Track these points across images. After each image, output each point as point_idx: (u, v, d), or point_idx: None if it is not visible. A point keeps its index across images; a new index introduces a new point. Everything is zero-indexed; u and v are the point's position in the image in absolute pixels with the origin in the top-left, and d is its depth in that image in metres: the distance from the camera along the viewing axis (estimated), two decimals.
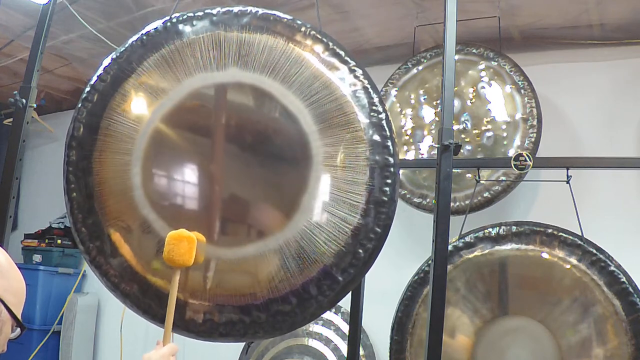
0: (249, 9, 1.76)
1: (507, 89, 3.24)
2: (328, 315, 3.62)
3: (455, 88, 3.25)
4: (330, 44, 1.72)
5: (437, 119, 3.38)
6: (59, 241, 4.76)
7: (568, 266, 2.38)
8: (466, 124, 3.28)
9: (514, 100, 3.21)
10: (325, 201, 1.60)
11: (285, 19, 1.74)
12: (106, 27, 3.57)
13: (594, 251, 2.36)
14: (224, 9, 1.77)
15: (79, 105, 1.76)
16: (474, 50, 3.34)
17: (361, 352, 3.33)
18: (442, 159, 1.91)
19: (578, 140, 3.45)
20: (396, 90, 3.54)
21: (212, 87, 1.71)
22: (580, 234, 2.39)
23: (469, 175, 3.21)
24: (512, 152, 3.11)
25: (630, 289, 2.29)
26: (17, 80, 4.61)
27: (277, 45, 1.69)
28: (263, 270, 1.61)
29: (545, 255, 2.42)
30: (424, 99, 3.46)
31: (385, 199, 1.61)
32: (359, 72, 1.69)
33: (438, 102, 3.38)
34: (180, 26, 1.76)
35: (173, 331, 1.55)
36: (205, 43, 1.72)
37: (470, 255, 2.52)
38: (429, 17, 3.43)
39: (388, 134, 1.65)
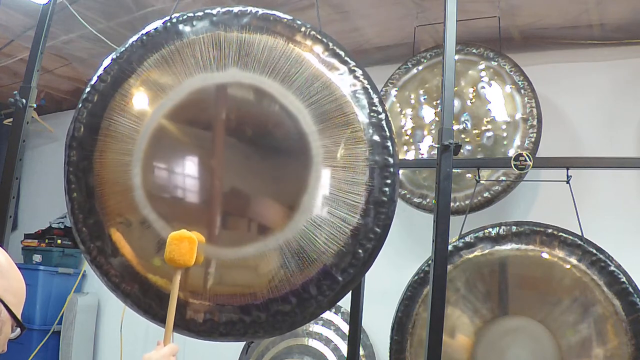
0: (249, 9, 1.76)
1: (507, 89, 3.24)
2: (328, 315, 3.62)
3: (455, 88, 3.25)
4: (330, 44, 1.72)
5: (437, 119, 3.38)
6: (59, 241, 4.76)
7: (568, 266, 2.38)
8: (466, 124, 3.28)
9: (514, 100, 3.21)
10: (325, 201, 1.60)
11: (285, 19, 1.74)
12: (106, 27, 3.57)
13: (594, 251, 2.36)
14: (224, 9, 1.77)
15: (80, 105, 1.76)
16: (474, 50, 3.35)
17: (361, 352, 3.33)
18: (442, 159, 1.91)
19: (578, 140, 3.45)
20: (396, 90, 3.54)
21: (212, 88, 1.71)
22: (580, 234, 2.39)
23: (469, 175, 3.21)
24: (512, 152, 3.11)
25: (630, 289, 2.29)
26: (17, 80, 4.61)
27: (277, 46, 1.69)
28: (263, 270, 1.61)
29: (545, 255, 2.42)
30: (424, 99, 3.46)
31: (385, 199, 1.61)
32: (359, 72, 1.70)
33: (438, 102, 3.38)
34: (180, 26, 1.76)
35: (173, 331, 1.55)
36: (205, 43, 1.72)
37: (470, 255, 2.52)
38: (429, 17, 3.43)
39: (388, 134, 1.65)
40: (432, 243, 1.90)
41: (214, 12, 1.77)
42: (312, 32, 1.73)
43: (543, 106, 3.21)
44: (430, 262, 1.92)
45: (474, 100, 3.30)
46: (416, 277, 2.60)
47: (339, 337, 3.58)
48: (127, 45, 1.79)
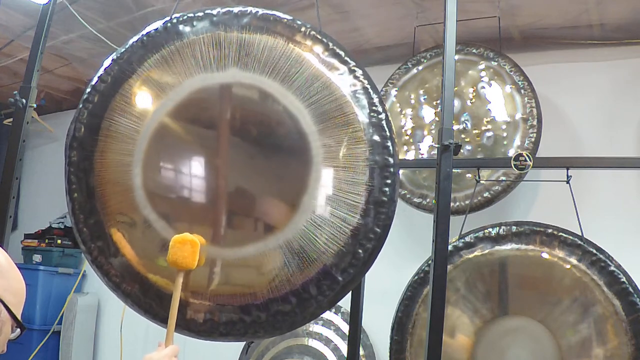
0: (249, 9, 1.76)
1: (507, 89, 3.24)
2: (328, 315, 3.62)
3: (455, 88, 3.26)
4: (330, 44, 1.72)
5: (437, 119, 3.38)
6: (59, 241, 4.76)
7: (568, 266, 2.38)
8: (466, 124, 3.28)
9: (514, 100, 3.22)
10: (325, 201, 1.60)
11: (285, 19, 1.74)
12: (106, 27, 3.57)
13: (594, 251, 2.36)
14: (224, 10, 1.77)
15: (80, 106, 1.76)
16: (474, 50, 3.35)
17: (361, 352, 3.33)
18: (442, 159, 1.91)
19: (578, 140, 3.45)
20: (396, 90, 3.54)
21: (212, 88, 1.71)
22: (580, 234, 2.39)
23: (469, 175, 3.21)
24: (512, 152, 3.11)
25: (630, 289, 2.29)
26: (17, 80, 4.61)
27: (277, 46, 1.69)
28: (263, 270, 1.61)
29: (545, 255, 2.42)
30: (424, 99, 3.46)
31: (385, 199, 1.61)
32: (359, 72, 1.70)
33: (438, 102, 3.38)
34: (181, 27, 1.76)
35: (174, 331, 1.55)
36: (206, 43, 1.72)
37: (470, 255, 2.52)
38: (429, 17, 3.43)
39: (388, 134, 1.65)
40: (432, 243, 1.90)
41: (214, 12, 1.77)
42: (312, 32, 1.73)
43: (543, 106, 3.21)
44: (430, 262, 1.92)
45: (474, 100, 3.30)
46: (416, 277, 2.60)
47: (339, 337, 3.59)
48: (127, 46, 1.79)
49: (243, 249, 1.62)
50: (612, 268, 2.33)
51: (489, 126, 3.24)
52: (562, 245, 2.42)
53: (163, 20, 1.79)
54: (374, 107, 1.66)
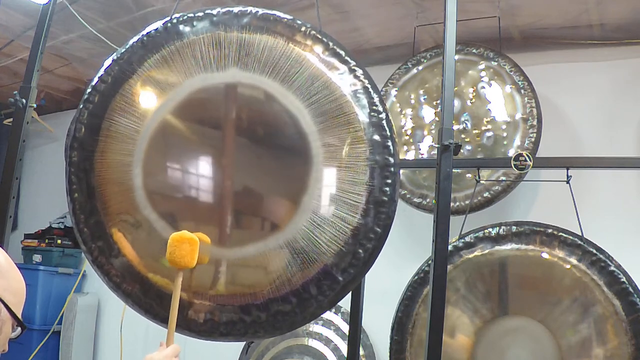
0: (249, 9, 1.76)
1: (507, 89, 3.24)
2: (328, 315, 3.62)
3: (455, 88, 3.25)
4: (331, 43, 1.72)
5: (437, 119, 3.38)
6: (59, 241, 4.76)
7: (568, 266, 2.38)
8: (466, 124, 3.28)
9: (514, 100, 3.22)
10: (325, 201, 1.60)
11: (285, 19, 1.74)
12: (106, 27, 3.57)
13: (594, 251, 2.36)
14: (224, 10, 1.77)
15: (81, 106, 1.76)
16: (474, 50, 3.35)
17: (361, 352, 3.33)
18: (442, 159, 1.91)
19: (578, 140, 3.45)
20: (396, 90, 3.54)
21: (213, 88, 1.71)
22: (580, 234, 2.39)
23: (469, 175, 3.21)
24: (512, 152, 3.11)
25: (630, 289, 2.29)
26: (17, 80, 4.61)
27: (277, 46, 1.69)
28: (263, 270, 1.61)
29: (545, 255, 2.42)
30: (424, 99, 3.46)
31: (385, 198, 1.61)
32: (359, 72, 1.70)
33: (438, 102, 3.38)
34: (181, 27, 1.76)
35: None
36: (206, 43, 1.72)
37: (470, 255, 2.52)
38: (429, 17, 3.43)
39: (388, 133, 1.65)
40: (432, 243, 1.90)
41: (214, 12, 1.77)
42: (312, 32, 1.73)
43: (543, 106, 3.21)
44: (430, 262, 1.92)
45: (474, 100, 3.30)
46: (416, 277, 2.60)
47: (339, 337, 3.58)
48: (127, 46, 1.79)
49: (243, 249, 1.62)
50: (612, 268, 2.33)
51: (489, 126, 3.24)
52: (562, 245, 2.41)
53: (163, 21, 1.79)
54: (374, 107, 1.66)
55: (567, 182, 2.33)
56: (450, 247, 2.46)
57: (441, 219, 1.89)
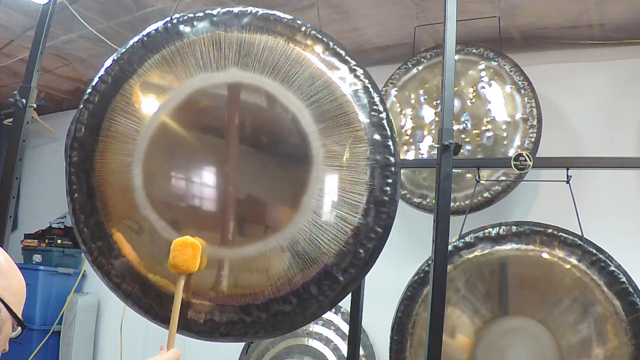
0: (249, 9, 1.76)
1: (507, 89, 3.24)
2: (328, 315, 3.62)
3: (455, 88, 3.26)
4: (331, 43, 1.72)
5: (437, 119, 3.38)
6: (59, 241, 4.76)
7: (568, 266, 2.38)
8: (466, 124, 3.28)
9: (514, 100, 3.22)
10: (326, 201, 1.60)
11: (286, 19, 1.74)
12: (106, 27, 3.57)
13: (594, 251, 2.37)
14: (224, 10, 1.77)
15: (81, 106, 1.76)
16: (474, 50, 3.35)
17: (361, 352, 3.33)
18: (442, 159, 1.91)
19: (578, 140, 3.45)
20: (396, 90, 3.54)
21: (213, 88, 1.71)
22: (580, 234, 2.39)
23: (469, 175, 3.21)
24: (512, 152, 3.11)
25: (630, 289, 2.30)
26: (17, 80, 4.61)
27: (277, 45, 1.69)
28: (263, 270, 1.61)
29: (545, 255, 2.42)
30: (424, 99, 3.46)
31: (386, 198, 1.61)
32: (359, 71, 1.69)
33: (438, 102, 3.38)
34: (181, 27, 1.76)
35: None
36: (206, 43, 1.72)
37: (470, 255, 2.52)
38: (429, 17, 3.43)
39: (389, 133, 1.65)
40: (432, 243, 1.90)
41: (214, 12, 1.77)
42: (313, 32, 1.72)
43: (543, 106, 3.21)
44: (430, 262, 1.92)
45: (474, 100, 3.30)
46: (416, 277, 2.60)
47: (339, 337, 3.59)
48: (127, 46, 1.79)
49: (243, 249, 1.62)
50: (612, 268, 2.33)
51: (489, 126, 3.24)
52: (562, 245, 2.42)
53: (163, 21, 1.79)
54: (374, 106, 1.66)
55: (567, 182, 2.33)
56: (450, 247, 2.46)
57: (441, 219, 1.89)
